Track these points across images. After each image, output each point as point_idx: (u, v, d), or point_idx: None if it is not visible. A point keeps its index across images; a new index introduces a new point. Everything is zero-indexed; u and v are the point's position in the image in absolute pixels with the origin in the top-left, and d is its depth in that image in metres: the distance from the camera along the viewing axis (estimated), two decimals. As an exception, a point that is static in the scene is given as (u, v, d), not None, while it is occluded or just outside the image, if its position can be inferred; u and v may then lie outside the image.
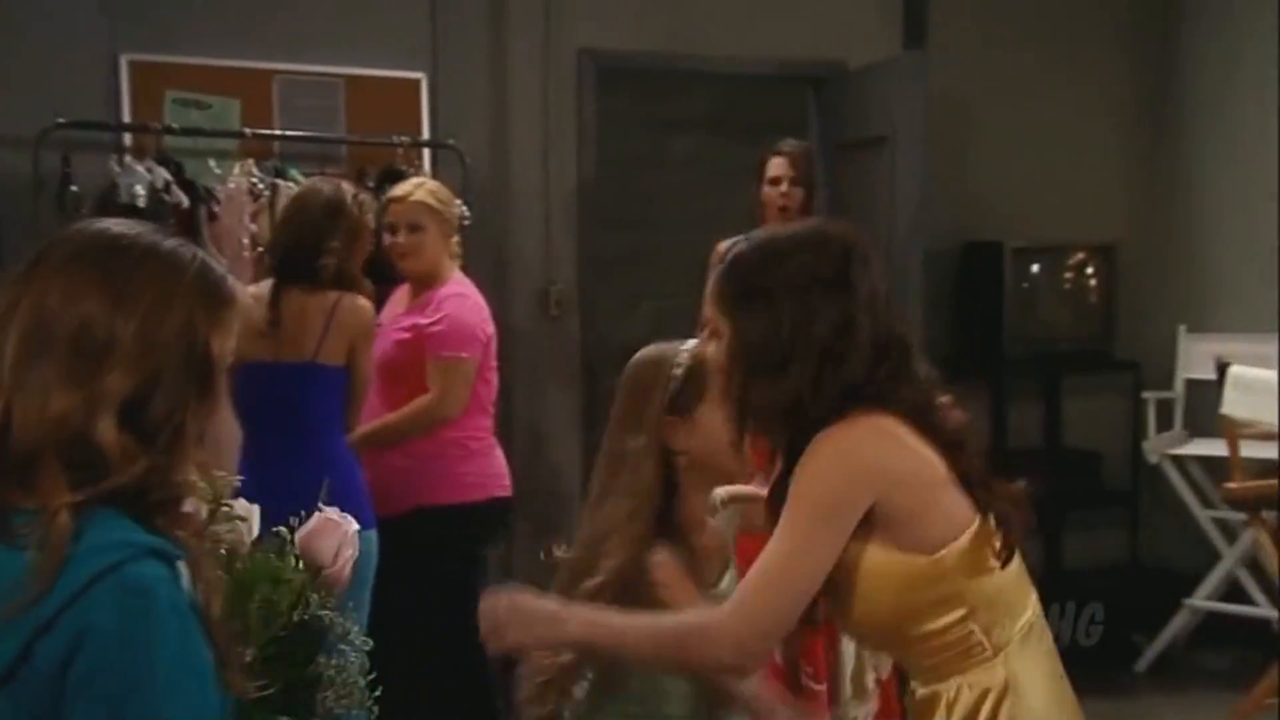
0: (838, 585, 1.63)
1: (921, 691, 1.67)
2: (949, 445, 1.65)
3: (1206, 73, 4.98)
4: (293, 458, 2.77)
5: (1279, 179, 4.49)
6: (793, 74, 4.74)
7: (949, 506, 1.63)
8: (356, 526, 1.51)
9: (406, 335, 3.19)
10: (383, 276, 3.35)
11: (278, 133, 3.92)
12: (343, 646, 1.44)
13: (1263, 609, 4.45)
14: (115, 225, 1.30)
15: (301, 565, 1.44)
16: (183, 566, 1.18)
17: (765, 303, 1.65)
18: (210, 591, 1.21)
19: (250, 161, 3.79)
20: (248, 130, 3.86)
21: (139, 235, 1.28)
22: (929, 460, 1.63)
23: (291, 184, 3.72)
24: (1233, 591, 4.58)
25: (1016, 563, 1.68)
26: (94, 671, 1.11)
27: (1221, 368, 3.89)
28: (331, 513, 1.50)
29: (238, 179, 3.74)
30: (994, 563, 1.63)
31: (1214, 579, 4.56)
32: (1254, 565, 4.50)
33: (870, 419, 1.62)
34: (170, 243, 1.29)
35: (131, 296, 1.22)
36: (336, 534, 1.48)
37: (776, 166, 3.91)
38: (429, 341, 3.16)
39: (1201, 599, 4.56)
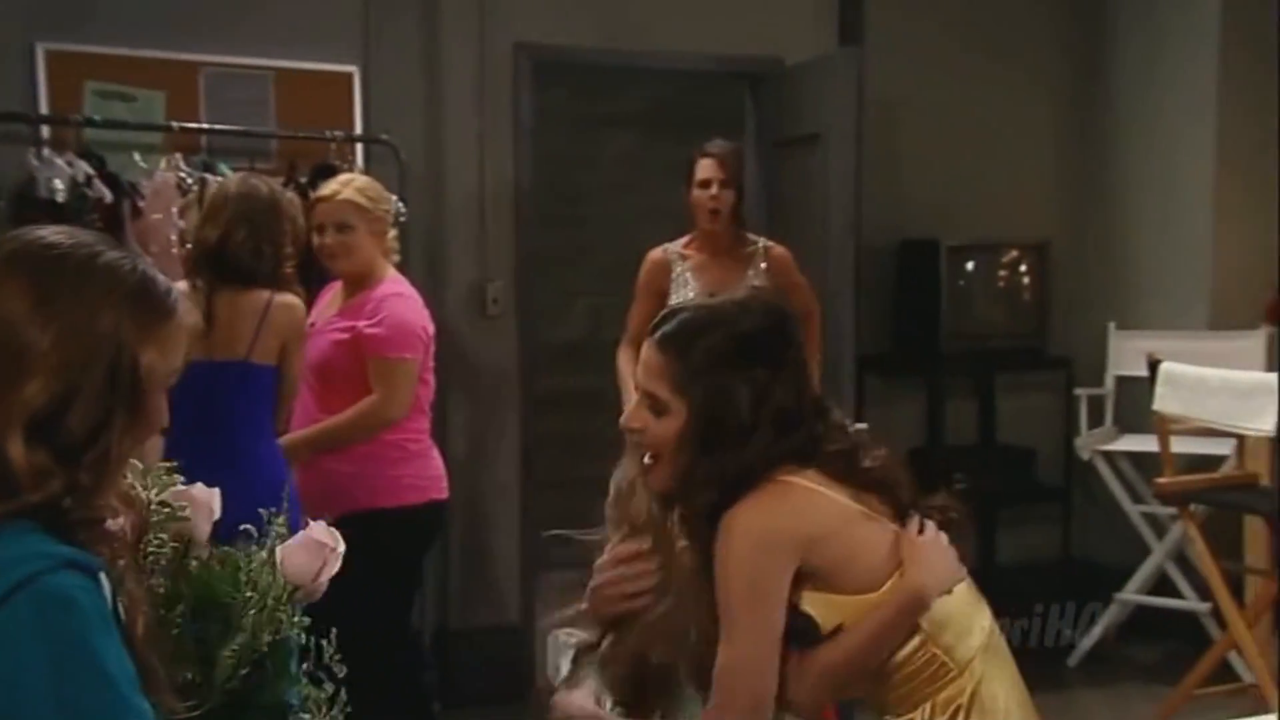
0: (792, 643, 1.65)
1: None
2: (873, 487, 1.68)
3: (1132, 75, 5.07)
4: (225, 456, 2.70)
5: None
6: (730, 71, 4.74)
7: (878, 543, 1.66)
8: (343, 547, 1.49)
9: (344, 337, 3.13)
10: (309, 277, 3.30)
11: (206, 126, 3.83)
12: (319, 673, 1.40)
13: (1190, 602, 4.54)
14: (55, 233, 1.24)
15: (281, 580, 1.40)
16: (105, 579, 1.14)
17: (722, 377, 1.63)
18: (135, 608, 1.17)
19: (178, 155, 3.70)
20: (175, 124, 3.77)
21: (78, 244, 1.23)
22: (843, 504, 1.65)
23: (221, 179, 3.65)
24: (1160, 586, 4.67)
25: (965, 580, 1.70)
26: (18, 687, 1.06)
27: (1153, 364, 3.94)
28: (319, 530, 1.47)
29: (165, 174, 3.65)
30: None
31: (1144, 573, 4.64)
32: (1181, 559, 4.59)
33: (777, 483, 1.63)
34: (113, 254, 1.24)
35: (54, 303, 1.17)
36: (321, 553, 1.45)
37: (705, 169, 3.84)
38: (370, 344, 3.11)
39: (1132, 593, 4.64)
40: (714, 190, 3.82)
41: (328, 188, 3.23)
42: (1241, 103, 4.78)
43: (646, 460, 1.71)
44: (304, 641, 1.44)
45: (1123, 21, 5.11)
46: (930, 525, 1.69)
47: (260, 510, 1.50)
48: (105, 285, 1.20)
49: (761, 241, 3.97)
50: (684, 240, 3.94)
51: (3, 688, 1.06)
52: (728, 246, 3.89)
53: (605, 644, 1.78)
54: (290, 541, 1.45)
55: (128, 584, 1.17)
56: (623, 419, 1.74)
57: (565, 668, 1.83)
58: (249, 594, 1.34)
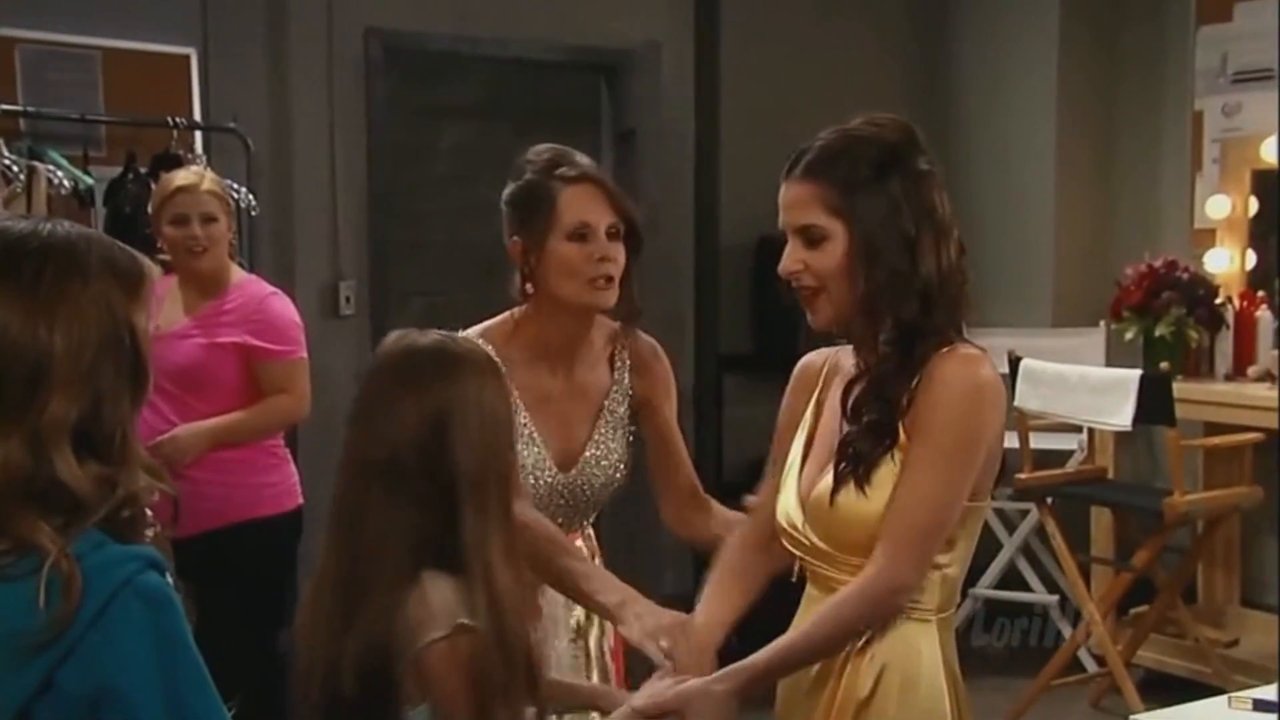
0: None
1: None
2: None
3: (975, 77, 5.41)
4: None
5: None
6: (584, 61, 4.83)
7: None
8: None
9: (216, 340, 3.08)
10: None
11: (31, 110, 3.69)
12: None
13: (1039, 595, 4.88)
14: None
15: None
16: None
17: (877, 186, 1.72)
18: None
19: (-1, 140, 3.56)
20: (-2, 106, 3.63)
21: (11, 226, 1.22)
22: None
23: (51, 167, 3.53)
24: (1009, 580, 5.00)
25: None
26: (132, 684, 1.11)
27: (1014, 362, 4.20)
28: None
29: (-14, 162, 3.51)
30: None
31: (996, 568, 4.96)
32: (1029, 553, 4.94)
33: (985, 363, 1.75)
34: (55, 226, 1.24)
35: (46, 297, 1.17)
36: None
37: (584, 200, 2.14)
38: (263, 352, 3.10)
39: (985, 588, 4.96)
40: (604, 243, 2.14)
41: (185, 178, 3.14)
42: (1080, 106, 5.19)
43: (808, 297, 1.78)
44: None
45: (965, 26, 5.45)
46: None
47: None
48: (82, 261, 1.20)
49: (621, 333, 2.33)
50: (501, 327, 2.22)
51: (117, 685, 1.11)
52: (587, 357, 2.28)
53: None
54: None
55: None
56: (781, 266, 1.79)
57: None
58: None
